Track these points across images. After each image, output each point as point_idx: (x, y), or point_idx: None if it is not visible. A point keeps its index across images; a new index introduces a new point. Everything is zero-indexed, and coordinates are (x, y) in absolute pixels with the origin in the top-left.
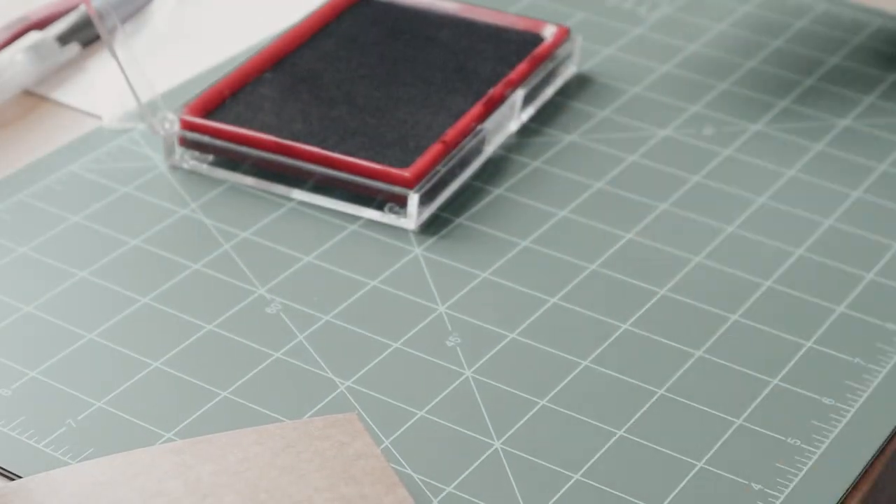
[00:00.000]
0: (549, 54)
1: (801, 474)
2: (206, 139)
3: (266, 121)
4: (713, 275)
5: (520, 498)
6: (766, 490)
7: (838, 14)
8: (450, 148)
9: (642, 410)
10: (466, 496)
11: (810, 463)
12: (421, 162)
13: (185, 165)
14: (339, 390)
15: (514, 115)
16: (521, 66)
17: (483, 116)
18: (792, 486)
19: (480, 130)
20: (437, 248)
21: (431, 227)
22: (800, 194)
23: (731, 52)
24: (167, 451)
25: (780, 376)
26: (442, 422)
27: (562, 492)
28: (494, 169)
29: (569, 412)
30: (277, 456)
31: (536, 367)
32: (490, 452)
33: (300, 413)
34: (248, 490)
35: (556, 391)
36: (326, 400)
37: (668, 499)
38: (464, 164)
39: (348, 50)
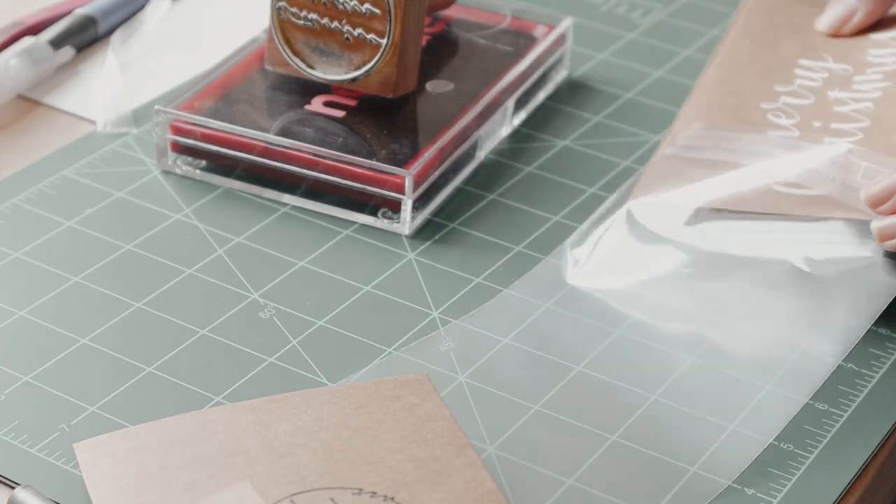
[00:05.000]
0: (542, 52)
1: (795, 479)
2: (197, 144)
3: (258, 124)
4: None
5: (513, 503)
6: (759, 495)
7: None
8: (443, 153)
9: (636, 415)
10: None
11: (803, 468)
12: (414, 167)
13: (178, 171)
14: None
15: (505, 120)
16: (514, 69)
17: (476, 121)
18: (785, 490)
19: (474, 135)
20: (431, 253)
21: (425, 231)
22: None
23: None
24: (243, 409)
25: (773, 381)
26: None
27: (555, 496)
28: (487, 174)
29: (563, 417)
30: (350, 416)
31: (530, 372)
32: (483, 458)
33: None
34: (323, 450)
35: (549, 396)
36: None
37: (662, 503)
38: (457, 168)
39: None
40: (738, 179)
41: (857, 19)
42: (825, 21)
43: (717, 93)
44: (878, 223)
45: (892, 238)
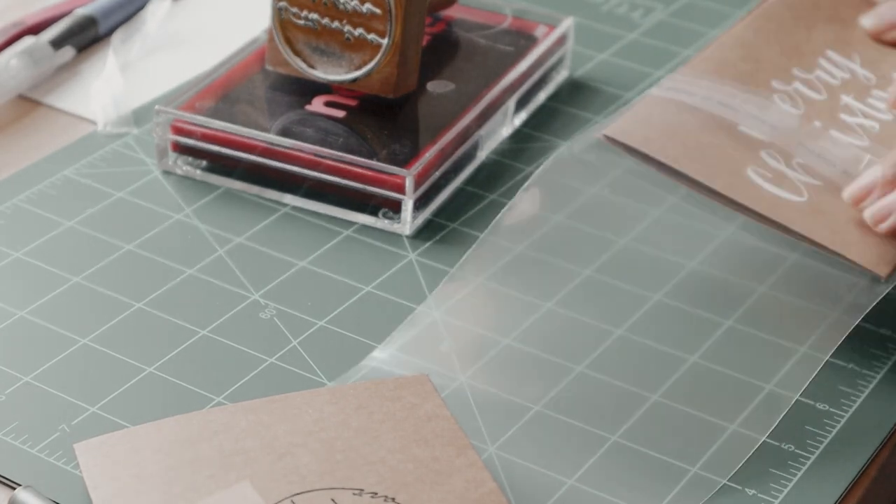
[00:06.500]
0: (543, 52)
1: (796, 479)
2: (198, 144)
3: (258, 124)
4: (708, 279)
5: (513, 503)
6: (759, 495)
7: None
8: (444, 153)
9: (636, 416)
10: None
11: (804, 468)
12: (415, 167)
13: (179, 171)
14: None
15: (506, 121)
16: (514, 69)
17: (477, 121)
18: (786, 491)
19: (475, 135)
20: (432, 253)
21: (425, 231)
22: None
23: None
24: (244, 409)
25: (774, 381)
26: None
27: (555, 496)
28: (488, 174)
29: (563, 417)
30: (351, 416)
31: (531, 373)
32: (484, 458)
33: None
34: (323, 450)
35: (550, 396)
36: None
37: (662, 503)
38: (458, 168)
39: None
40: (722, 143)
41: None
42: (870, 20)
43: (734, 53)
44: (871, 208)
45: (884, 220)
